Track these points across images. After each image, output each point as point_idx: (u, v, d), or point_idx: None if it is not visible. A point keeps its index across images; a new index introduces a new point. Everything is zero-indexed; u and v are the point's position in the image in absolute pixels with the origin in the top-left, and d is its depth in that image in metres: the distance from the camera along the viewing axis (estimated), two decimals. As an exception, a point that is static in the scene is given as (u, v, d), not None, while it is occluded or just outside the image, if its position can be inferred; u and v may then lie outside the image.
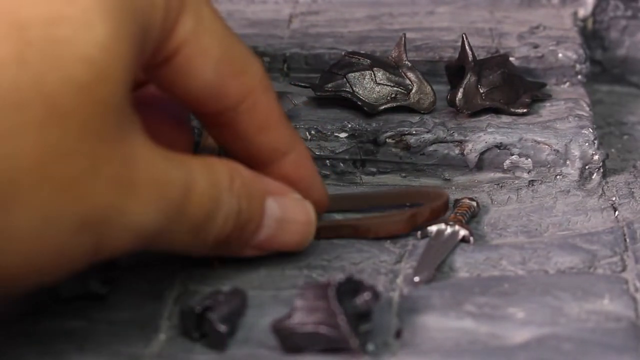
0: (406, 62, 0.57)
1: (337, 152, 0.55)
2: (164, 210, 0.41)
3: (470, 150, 0.55)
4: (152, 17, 0.42)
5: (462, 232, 0.50)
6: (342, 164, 0.55)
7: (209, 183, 0.43)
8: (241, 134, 0.47)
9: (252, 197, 0.45)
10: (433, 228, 0.50)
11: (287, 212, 0.47)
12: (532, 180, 0.55)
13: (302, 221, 0.47)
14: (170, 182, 0.42)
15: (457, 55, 0.59)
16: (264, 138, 0.47)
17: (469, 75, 0.57)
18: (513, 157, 0.55)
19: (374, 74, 0.57)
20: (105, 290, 0.46)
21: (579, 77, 0.61)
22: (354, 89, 0.57)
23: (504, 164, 0.55)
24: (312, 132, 0.55)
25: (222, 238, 0.44)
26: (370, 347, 0.43)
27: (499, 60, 0.58)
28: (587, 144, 0.55)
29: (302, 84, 0.58)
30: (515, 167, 0.55)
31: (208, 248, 0.45)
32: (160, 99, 0.48)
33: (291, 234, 0.47)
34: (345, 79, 0.57)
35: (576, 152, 0.54)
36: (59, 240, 0.39)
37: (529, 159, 0.55)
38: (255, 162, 0.48)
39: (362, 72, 0.57)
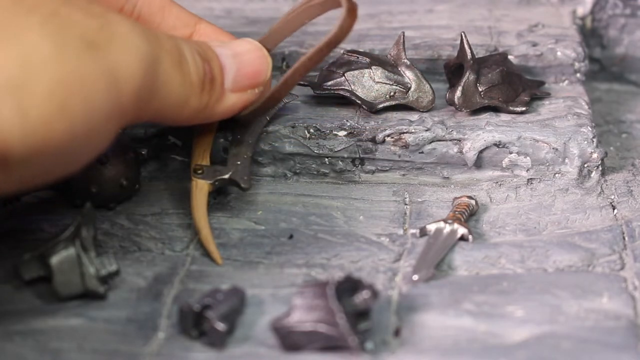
0: (405, 61, 0.57)
1: (336, 150, 0.55)
2: (143, 38, 0.45)
3: (469, 148, 0.55)
4: None
5: (461, 231, 0.50)
6: (341, 162, 0.55)
7: (161, 32, 0.49)
8: (150, 21, 0.53)
9: (200, 45, 0.50)
10: (432, 226, 0.51)
11: (235, 48, 0.52)
12: (531, 178, 0.55)
13: (250, 48, 0.52)
14: (135, 24, 0.46)
15: (456, 54, 0.59)
16: (170, 14, 0.54)
17: (467, 73, 0.57)
18: (512, 155, 0.55)
19: (373, 72, 0.57)
20: (103, 289, 0.46)
21: (578, 75, 0.61)
22: (353, 87, 0.57)
23: (503, 162, 0.55)
24: (311, 130, 0.55)
25: (202, 74, 0.49)
26: (369, 345, 0.43)
27: (498, 59, 0.59)
28: (585, 142, 0.55)
29: (301, 82, 0.58)
30: (514, 165, 0.55)
31: (201, 94, 0.49)
32: None
33: (251, 63, 0.52)
34: (344, 77, 0.57)
35: (575, 151, 0.54)
36: (74, 62, 0.41)
37: (528, 157, 0.55)
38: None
39: (361, 70, 0.57)
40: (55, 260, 0.45)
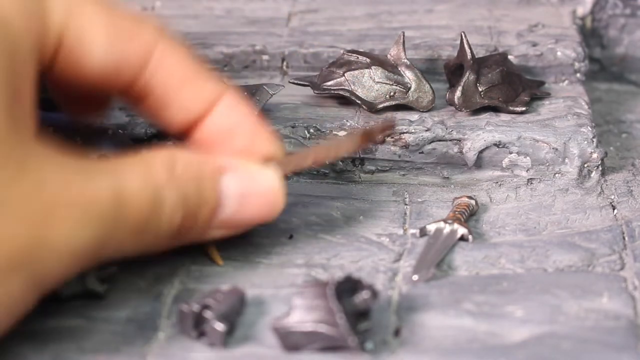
0: (405, 61, 0.57)
1: (336, 150, 0.55)
2: (96, 224, 0.40)
3: (469, 148, 0.55)
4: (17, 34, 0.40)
5: (461, 231, 0.50)
6: (341, 163, 0.55)
7: (143, 181, 0.42)
8: (164, 98, 0.46)
9: (201, 178, 0.44)
10: (432, 226, 0.51)
11: (248, 186, 0.45)
12: (531, 178, 0.55)
13: (266, 191, 0.45)
14: (95, 195, 0.40)
15: (456, 54, 0.59)
16: (189, 91, 0.46)
17: (467, 73, 0.57)
18: (512, 155, 0.55)
19: (373, 73, 0.57)
20: (102, 288, 0.46)
21: (578, 75, 0.61)
22: (353, 87, 0.57)
23: (503, 162, 0.55)
24: (311, 130, 0.55)
25: (175, 230, 0.43)
26: (369, 345, 0.43)
27: (498, 59, 0.59)
28: (585, 142, 0.55)
29: (301, 82, 0.58)
30: (514, 165, 0.55)
31: (165, 243, 0.44)
32: None
33: (257, 207, 0.45)
34: (344, 77, 0.57)
35: (575, 151, 0.54)
36: None
37: (528, 157, 0.55)
38: (191, 121, 0.47)
39: (361, 70, 0.57)
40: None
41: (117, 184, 0.41)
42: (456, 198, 0.53)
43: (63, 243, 0.39)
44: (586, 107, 0.58)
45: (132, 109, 0.49)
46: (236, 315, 0.44)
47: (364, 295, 0.43)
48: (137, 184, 0.41)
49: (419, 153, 0.55)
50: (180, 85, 0.46)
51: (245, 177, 0.45)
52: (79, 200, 0.39)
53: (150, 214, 0.42)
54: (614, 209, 0.53)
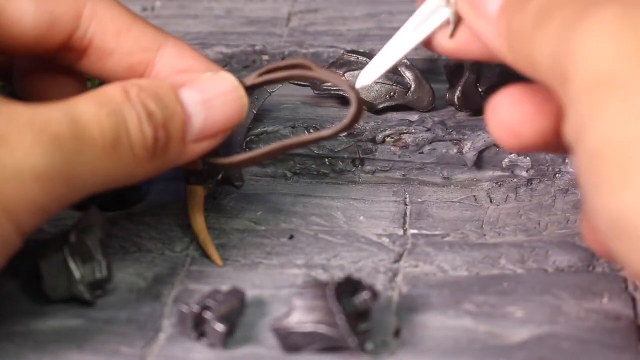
0: (405, 61, 0.57)
1: (336, 150, 0.55)
2: (53, 146, 0.41)
3: (469, 148, 0.55)
4: None
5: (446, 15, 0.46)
6: (341, 163, 0.55)
7: (97, 105, 0.43)
8: (104, 47, 0.47)
9: (160, 95, 0.44)
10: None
11: (207, 91, 0.46)
12: (531, 179, 0.55)
13: (226, 90, 0.46)
14: (48, 120, 0.41)
15: (456, 54, 0.59)
16: (127, 39, 0.47)
17: (467, 74, 0.57)
18: (512, 155, 0.55)
19: (373, 73, 0.57)
20: (90, 295, 0.45)
21: (578, 75, 0.61)
22: (353, 87, 0.57)
23: (503, 162, 0.55)
24: (311, 130, 0.55)
25: (152, 145, 0.44)
26: (370, 346, 0.43)
27: (498, 59, 0.58)
28: (586, 142, 0.54)
29: (301, 83, 0.58)
30: (514, 165, 0.55)
31: (149, 164, 0.44)
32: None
33: (224, 108, 0.46)
34: (344, 78, 0.57)
35: (575, 151, 0.54)
36: None
37: (528, 158, 0.55)
38: (137, 69, 0.48)
39: (361, 70, 0.57)
40: (44, 264, 0.45)
41: (70, 110, 0.42)
42: None
43: (22, 165, 0.40)
44: (586, 107, 0.57)
45: (76, 66, 0.49)
46: (236, 316, 0.44)
47: (364, 296, 0.43)
48: (91, 108, 0.42)
49: (419, 153, 0.55)
50: (117, 34, 0.47)
51: (201, 86, 0.46)
52: (32, 125, 0.41)
53: (116, 132, 0.42)
54: (614, 210, 0.53)
